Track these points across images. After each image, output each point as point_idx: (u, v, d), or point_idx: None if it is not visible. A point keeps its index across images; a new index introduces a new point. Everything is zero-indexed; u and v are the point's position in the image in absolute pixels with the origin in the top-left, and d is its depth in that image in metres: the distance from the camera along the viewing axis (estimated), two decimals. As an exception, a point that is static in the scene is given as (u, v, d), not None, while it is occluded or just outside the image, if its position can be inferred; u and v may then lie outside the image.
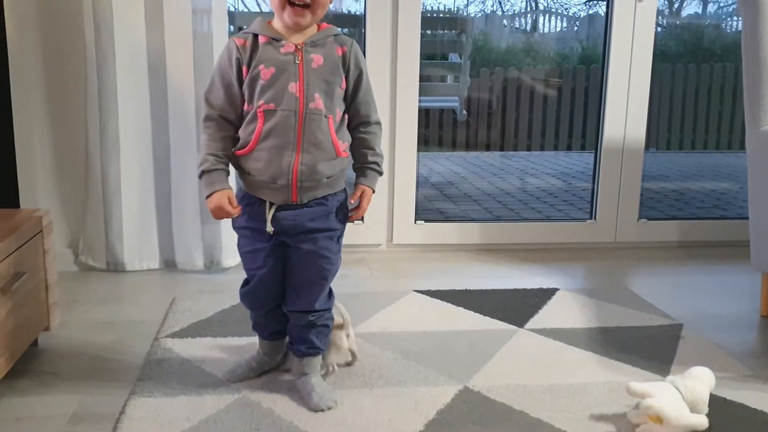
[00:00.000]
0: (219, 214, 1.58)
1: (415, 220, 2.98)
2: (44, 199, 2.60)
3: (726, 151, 5.85)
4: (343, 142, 1.60)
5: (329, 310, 1.72)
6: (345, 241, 1.69)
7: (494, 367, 1.89)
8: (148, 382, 1.77)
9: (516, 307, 2.31)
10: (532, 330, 2.14)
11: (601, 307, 2.34)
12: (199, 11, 2.51)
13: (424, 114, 5.39)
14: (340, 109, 1.59)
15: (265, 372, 1.80)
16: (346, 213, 1.67)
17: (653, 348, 2.03)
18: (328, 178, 1.59)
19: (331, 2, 1.57)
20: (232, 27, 4.39)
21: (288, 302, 1.69)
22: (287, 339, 1.79)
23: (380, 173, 1.68)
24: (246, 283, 1.73)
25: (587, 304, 2.37)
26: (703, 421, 1.55)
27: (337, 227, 1.65)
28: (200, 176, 1.58)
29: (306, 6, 1.51)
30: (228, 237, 2.61)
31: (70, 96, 2.57)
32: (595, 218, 3.06)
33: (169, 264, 2.65)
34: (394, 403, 1.69)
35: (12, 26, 2.46)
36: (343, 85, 1.59)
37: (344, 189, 1.67)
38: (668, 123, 6.01)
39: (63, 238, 2.63)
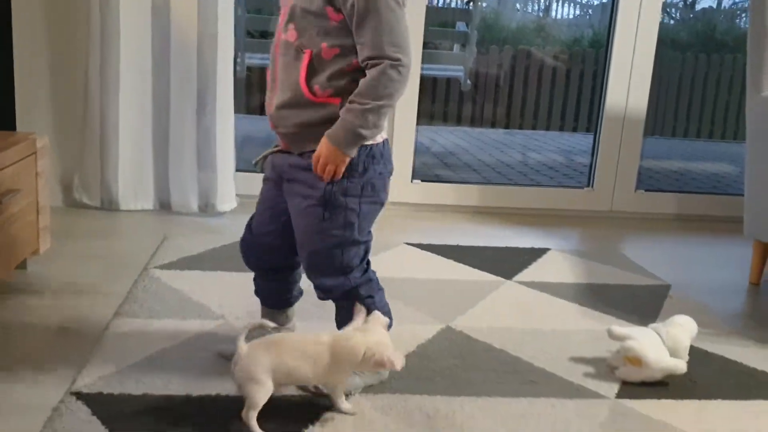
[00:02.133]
0: None
1: (412, 179, 2.98)
2: (38, 131, 2.60)
3: (731, 141, 5.84)
4: (324, 87, 1.32)
5: (347, 291, 1.42)
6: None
7: (479, 312, 1.90)
8: (133, 305, 1.78)
9: (506, 262, 2.32)
10: (520, 282, 2.15)
11: (591, 267, 2.34)
12: (205, -48, 2.50)
13: (431, 85, 5.39)
14: (329, 44, 1.31)
15: None
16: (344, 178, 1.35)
17: (639, 304, 2.03)
18: (305, 127, 1.34)
19: None
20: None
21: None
22: (292, 308, 1.60)
23: (353, 126, 1.29)
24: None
25: (577, 263, 2.37)
26: (681, 365, 1.55)
27: (319, 186, 1.35)
28: None
29: None
30: (224, 182, 2.62)
31: (72, 32, 2.56)
32: (592, 186, 3.06)
33: (164, 205, 2.65)
34: (376, 337, 1.69)
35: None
36: (332, 14, 1.30)
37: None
38: (675, 110, 6.00)
39: (57, 175, 2.64)
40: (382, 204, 1.43)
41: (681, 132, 6.11)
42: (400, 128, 2.89)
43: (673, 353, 1.57)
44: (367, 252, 1.44)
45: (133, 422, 1.28)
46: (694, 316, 1.68)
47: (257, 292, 1.59)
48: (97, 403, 1.33)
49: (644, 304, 2.03)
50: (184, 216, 2.61)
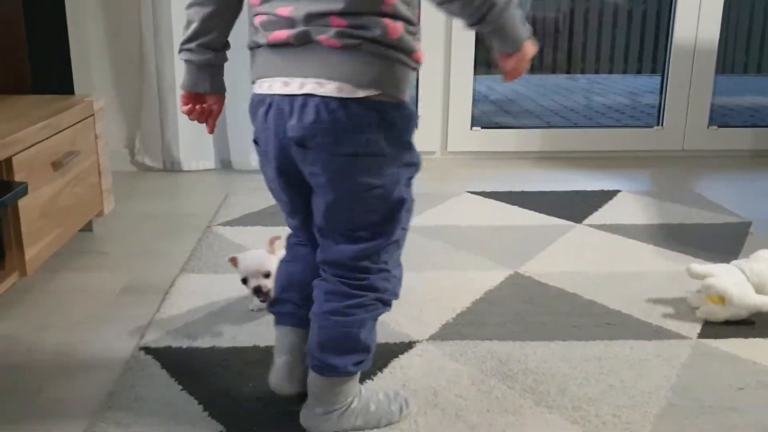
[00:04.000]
0: None
1: (471, 126, 2.90)
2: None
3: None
4: None
5: None
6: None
7: (548, 256, 1.83)
8: (198, 262, 1.78)
9: (575, 206, 2.23)
10: (591, 225, 2.07)
11: (665, 207, 2.24)
12: None
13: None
14: None
15: None
16: None
17: (718, 243, 1.93)
18: None
19: None
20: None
21: None
22: None
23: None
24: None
25: (650, 203, 2.27)
26: (768, 302, 1.46)
27: None
28: None
29: None
30: (281, 138, 2.59)
31: (123, -8, 2.56)
32: (662, 125, 2.92)
33: (225, 164, 2.65)
34: (442, 285, 1.65)
35: None
36: None
37: None
38: (746, 45, 5.70)
39: (120, 138, 2.66)
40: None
41: (753, 68, 5.81)
42: (457, 76, 2.80)
43: (759, 290, 1.48)
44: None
45: (202, 374, 1.28)
46: (779, 251, 1.57)
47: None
48: (166, 357, 1.33)
49: (724, 243, 1.92)
50: (245, 173, 2.60)
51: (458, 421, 1.15)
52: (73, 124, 1.78)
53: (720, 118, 3.82)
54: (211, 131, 1.19)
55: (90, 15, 2.56)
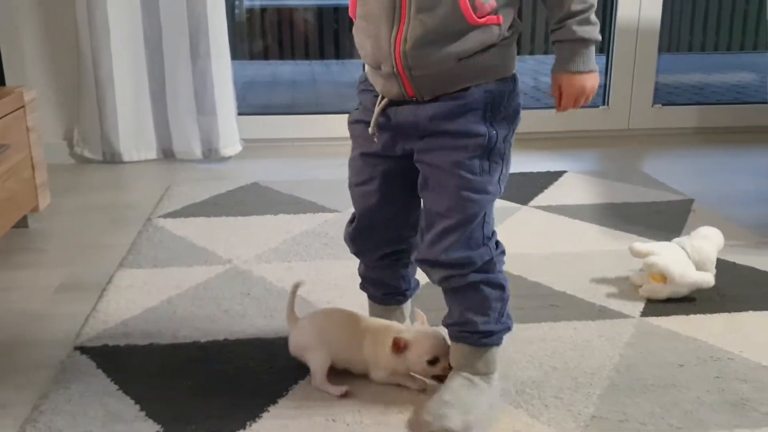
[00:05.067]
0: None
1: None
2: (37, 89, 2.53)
3: (752, 52, 5.64)
4: (488, 1, 1.00)
5: (484, 264, 1.09)
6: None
7: (494, 239, 1.83)
8: (137, 256, 1.73)
9: (520, 188, 2.23)
10: (537, 207, 2.07)
11: (610, 186, 2.25)
12: None
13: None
14: None
15: None
16: (508, 113, 1.07)
17: (662, 220, 1.95)
18: (459, 61, 1.02)
19: None
20: None
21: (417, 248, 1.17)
22: (408, 303, 1.33)
23: (585, 39, 1.03)
24: (353, 219, 1.23)
25: (595, 183, 2.28)
26: (708, 279, 1.47)
27: (482, 132, 1.05)
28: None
29: None
30: (226, 126, 2.54)
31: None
32: (607, 104, 2.94)
33: (167, 154, 2.59)
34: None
35: None
36: None
37: (511, 77, 1.07)
38: (690, 24, 5.79)
39: (58, 131, 2.57)
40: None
41: (698, 46, 5.91)
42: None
43: (700, 267, 1.50)
44: None
45: (139, 373, 1.24)
46: (720, 228, 1.60)
47: (365, 282, 1.31)
48: (102, 356, 1.29)
49: (667, 220, 1.95)
50: (189, 163, 2.55)
51: (401, 404, 1.14)
52: (2, 117, 1.71)
53: (665, 96, 3.86)
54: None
55: (22, 5, 2.46)
